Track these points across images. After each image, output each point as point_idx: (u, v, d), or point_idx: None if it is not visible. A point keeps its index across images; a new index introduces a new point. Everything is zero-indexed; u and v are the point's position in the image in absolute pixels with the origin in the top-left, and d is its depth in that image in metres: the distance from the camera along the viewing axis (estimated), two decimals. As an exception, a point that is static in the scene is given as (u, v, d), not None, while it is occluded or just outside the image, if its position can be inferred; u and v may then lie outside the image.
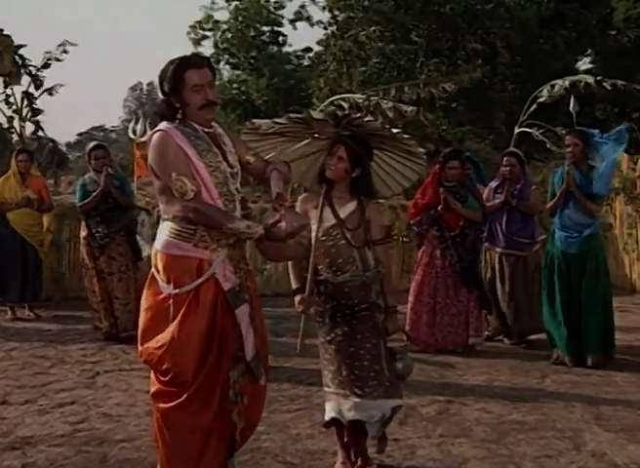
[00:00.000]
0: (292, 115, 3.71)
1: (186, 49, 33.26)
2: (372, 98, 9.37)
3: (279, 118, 3.78)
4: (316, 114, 3.74)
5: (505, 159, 6.99)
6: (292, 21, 32.02)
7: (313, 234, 3.71)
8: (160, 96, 3.31)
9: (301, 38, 35.19)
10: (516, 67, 22.20)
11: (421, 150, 3.91)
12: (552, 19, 21.98)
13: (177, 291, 3.15)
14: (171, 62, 3.24)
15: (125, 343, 6.75)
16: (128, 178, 7.89)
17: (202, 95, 3.20)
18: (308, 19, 30.49)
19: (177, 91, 3.20)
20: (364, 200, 3.81)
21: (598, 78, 10.02)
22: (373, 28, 22.56)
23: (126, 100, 75.71)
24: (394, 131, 3.69)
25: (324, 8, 24.75)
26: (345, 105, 9.34)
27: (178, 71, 3.19)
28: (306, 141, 3.90)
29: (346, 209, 3.79)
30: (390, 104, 9.29)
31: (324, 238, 3.75)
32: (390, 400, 3.72)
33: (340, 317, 3.74)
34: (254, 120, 3.72)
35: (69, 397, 5.10)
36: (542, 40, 21.94)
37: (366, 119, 3.77)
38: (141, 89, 75.46)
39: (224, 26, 31.71)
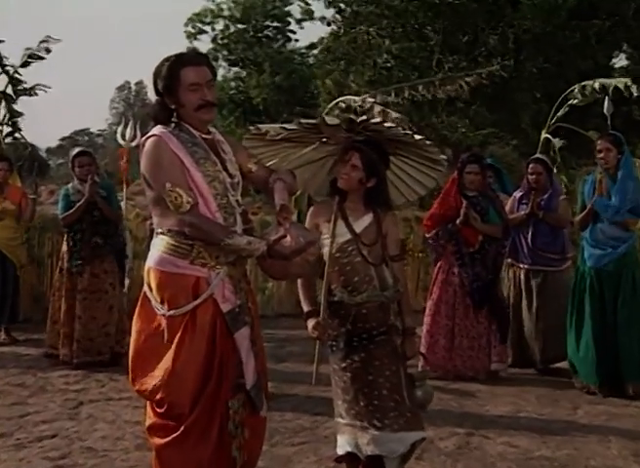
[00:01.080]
0: (303, 121, 3.71)
1: (181, 45, 33.35)
2: (367, 100, 9.44)
3: (284, 120, 3.80)
4: (330, 119, 3.73)
5: (531, 166, 6.98)
6: (299, 21, 32.13)
7: (326, 250, 3.73)
8: (152, 96, 3.33)
9: (307, 34, 35.20)
10: (543, 63, 22.19)
11: (444, 157, 3.91)
12: (583, 9, 21.90)
13: (171, 312, 3.16)
14: (166, 59, 3.27)
15: (90, 367, 6.79)
16: (115, 188, 7.90)
17: (199, 94, 3.22)
18: (311, 13, 30.60)
19: (171, 90, 3.22)
20: (380, 212, 3.83)
21: (628, 83, 9.90)
22: (381, 24, 22.62)
23: (113, 101, 76.01)
24: (417, 137, 3.68)
25: (329, 3, 24.81)
26: (343, 106, 9.42)
27: (173, 69, 3.21)
28: (313, 146, 3.90)
29: (362, 222, 3.81)
30: (380, 109, 9.38)
31: (338, 255, 3.76)
32: (412, 432, 3.71)
33: (357, 342, 3.74)
34: (259, 125, 3.72)
35: (50, 429, 5.09)
36: (572, 33, 21.87)
37: (386, 124, 3.73)
38: (130, 88, 75.77)
39: (225, 21, 31.74)
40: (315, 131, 3.77)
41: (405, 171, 4.00)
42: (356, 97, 10.00)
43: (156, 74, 3.27)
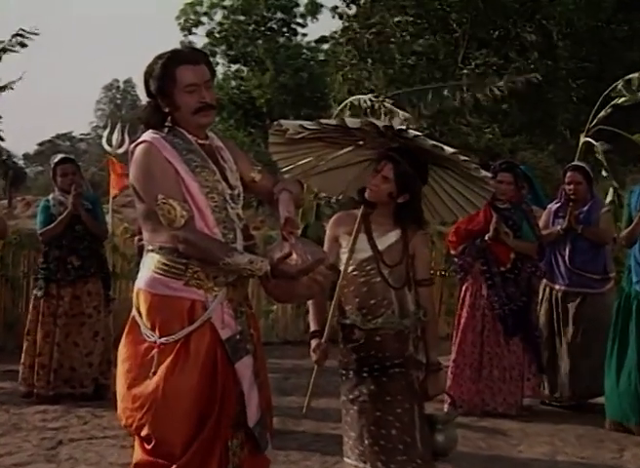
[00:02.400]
0: (323, 121, 3.72)
1: (176, 38, 33.48)
2: (372, 100, 9.47)
3: (294, 121, 3.81)
4: (351, 121, 3.71)
5: (569, 175, 6.98)
6: (303, 15, 32.27)
7: (342, 266, 3.74)
8: (143, 96, 3.35)
9: (316, 27, 35.32)
10: (583, 60, 22.21)
11: (487, 174, 3.87)
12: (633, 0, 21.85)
13: (163, 339, 3.16)
14: (159, 57, 3.28)
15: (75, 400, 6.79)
16: (101, 200, 7.94)
17: (196, 96, 3.23)
18: (317, 6, 30.74)
19: (165, 91, 3.24)
20: (409, 230, 3.84)
21: None
22: (401, 15, 22.68)
23: (99, 102, 76.45)
24: (449, 150, 3.62)
25: None
26: (368, 105, 9.44)
27: (168, 67, 3.23)
28: (348, 149, 3.93)
29: (387, 239, 3.82)
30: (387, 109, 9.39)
31: (355, 273, 3.79)
32: None
33: (367, 372, 3.75)
34: (281, 121, 3.72)
35: (25, 473, 5.09)
36: (617, 26, 21.85)
37: (412, 132, 3.71)
38: (118, 87, 76.15)
39: (223, 12, 31.88)
40: (349, 132, 3.76)
41: (452, 185, 3.96)
42: (364, 97, 10.05)
43: (148, 74, 3.28)
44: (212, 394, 3.17)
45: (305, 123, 3.69)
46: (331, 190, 4.44)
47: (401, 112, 9.68)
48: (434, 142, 3.63)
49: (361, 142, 3.87)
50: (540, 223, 6.90)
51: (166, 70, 3.23)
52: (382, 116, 9.24)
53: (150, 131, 3.27)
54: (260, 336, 3.45)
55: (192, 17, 32.86)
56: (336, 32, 27.92)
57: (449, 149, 3.63)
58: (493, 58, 21.28)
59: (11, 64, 13.80)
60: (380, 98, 9.69)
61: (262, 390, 3.32)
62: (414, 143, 3.71)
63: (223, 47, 33.01)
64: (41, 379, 6.92)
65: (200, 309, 3.18)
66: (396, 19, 22.67)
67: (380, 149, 3.86)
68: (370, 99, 9.82)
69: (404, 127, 3.77)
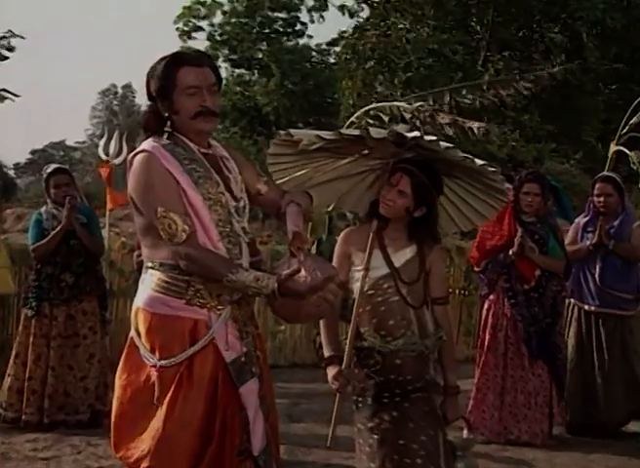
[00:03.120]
0: (344, 131, 3.71)
1: (177, 41, 33.61)
2: (420, 108, 9.37)
3: (307, 130, 3.82)
4: (376, 132, 3.70)
5: (598, 186, 6.96)
6: (310, 10, 32.34)
7: (357, 285, 3.75)
8: (142, 102, 3.39)
9: (324, 28, 35.34)
10: (613, 62, 22.15)
11: (508, 186, 3.92)
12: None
13: (164, 362, 3.17)
14: (163, 58, 3.32)
15: (78, 428, 6.77)
16: (97, 213, 7.95)
17: (197, 99, 3.25)
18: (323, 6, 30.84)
19: (165, 93, 3.26)
20: (425, 245, 3.85)
21: None
22: (417, 14, 22.68)
23: (95, 109, 76.57)
24: (479, 162, 3.66)
25: None
26: (385, 118, 9.37)
27: (169, 68, 3.26)
28: (351, 159, 3.94)
29: (403, 255, 3.83)
30: (448, 119, 9.23)
31: (371, 292, 3.79)
32: None
33: (388, 398, 3.75)
34: (291, 130, 3.70)
35: (15, 506, 5.11)
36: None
37: (443, 144, 3.70)
38: (116, 93, 76.33)
39: (224, 14, 31.95)
40: (356, 142, 3.77)
41: (460, 196, 4.00)
42: (387, 104, 10.01)
43: (150, 74, 3.32)
44: (213, 421, 3.17)
45: (323, 133, 3.68)
46: (321, 202, 4.33)
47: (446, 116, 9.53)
48: (465, 155, 3.64)
49: (366, 152, 3.88)
50: (568, 239, 6.88)
51: (167, 71, 3.26)
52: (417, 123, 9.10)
53: (150, 139, 3.29)
54: (266, 359, 3.46)
55: (192, 20, 32.94)
56: (345, 32, 27.96)
57: (479, 161, 3.65)
58: (515, 62, 21.25)
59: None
60: (411, 107, 9.61)
61: (269, 416, 3.32)
62: (437, 155, 3.71)
63: (226, 51, 33.08)
64: (31, 406, 6.87)
65: (203, 329, 3.19)
66: (413, 18, 22.67)
67: (386, 160, 3.87)
68: (400, 108, 9.74)
69: (434, 138, 3.76)
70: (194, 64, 3.28)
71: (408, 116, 9.30)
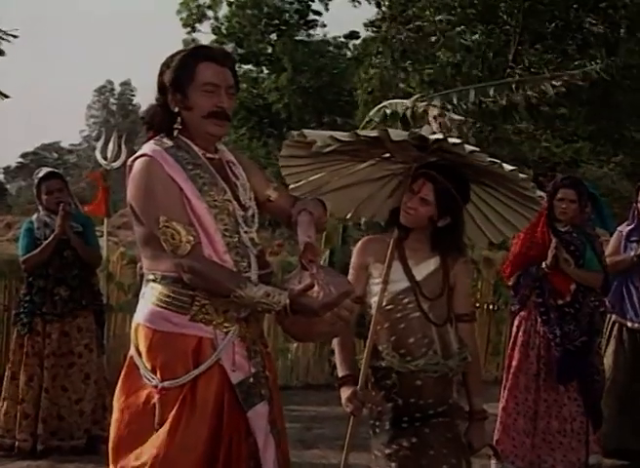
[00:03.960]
0: (361, 133, 3.71)
1: (178, 35, 33.74)
2: (418, 105, 9.43)
3: (318, 130, 3.83)
4: (396, 134, 3.70)
5: (643, 191, 6.97)
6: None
7: (374, 300, 3.76)
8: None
9: (337, 19, 35.29)
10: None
11: (541, 194, 3.91)
12: None
13: (166, 383, 3.19)
14: (182, 50, 3.38)
15: (71, 454, 6.76)
16: (93, 221, 7.95)
17: (215, 99, 3.29)
18: None
19: (180, 86, 3.29)
20: (449, 257, 3.86)
21: None
22: (442, 5, 22.66)
23: (91, 108, 76.88)
24: (508, 168, 3.64)
25: None
26: (387, 112, 9.42)
27: (189, 60, 3.30)
28: (370, 162, 3.96)
29: (425, 267, 3.85)
30: (435, 112, 9.31)
31: (390, 307, 3.80)
32: None
33: (407, 422, 3.76)
34: (305, 131, 3.72)
35: None
36: None
37: (468, 147, 3.67)
38: (112, 90, 76.56)
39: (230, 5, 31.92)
40: (375, 144, 3.78)
41: (489, 204, 4.01)
42: (404, 101, 10.02)
43: (165, 65, 3.34)
44: (218, 447, 3.17)
45: (338, 134, 3.68)
46: (338, 210, 4.36)
47: (454, 116, 9.58)
48: (493, 159, 3.63)
49: (387, 155, 3.89)
50: (609, 249, 6.86)
51: (186, 62, 3.29)
52: (433, 124, 9.15)
53: (152, 142, 3.31)
54: (276, 380, 3.47)
55: (195, 11, 32.92)
56: (367, 25, 27.92)
57: (507, 167, 3.64)
58: (548, 56, 21.17)
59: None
60: (424, 103, 9.63)
61: (280, 442, 3.33)
62: (464, 159, 3.71)
63: (232, 45, 33.02)
64: (23, 431, 6.85)
65: (208, 348, 3.21)
66: (437, 14, 22.61)
67: (409, 164, 3.88)
68: (412, 104, 9.75)
69: (458, 141, 3.75)
70: (216, 62, 3.32)
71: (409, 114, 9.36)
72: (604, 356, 6.90)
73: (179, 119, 3.33)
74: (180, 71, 3.28)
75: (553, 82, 10.82)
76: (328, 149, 3.70)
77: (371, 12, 28.92)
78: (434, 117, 9.30)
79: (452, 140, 3.69)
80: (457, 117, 9.55)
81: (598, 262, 6.53)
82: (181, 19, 33.35)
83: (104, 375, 7.12)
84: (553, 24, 22.53)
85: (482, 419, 3.88)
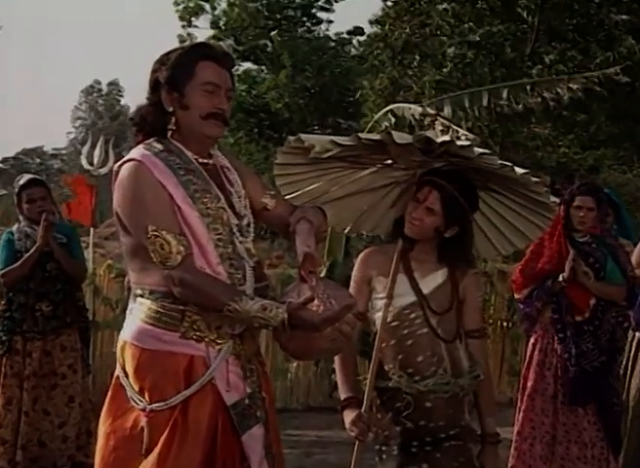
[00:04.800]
0: (363, 136, 3.71)
1: (170, 31, 33.71)
2: (426, 112, 9.44)
3: (319, 134, 3.83)
4: (400, 136, 3.69)
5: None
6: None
7: (379, 315, 3.76)
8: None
9: (346, 15, 35.28)
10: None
11: (554, 200, 3.91)
12: None
13: (155, 406, 3.19)
14: (181, 47, 3.41)
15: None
16: (79, 231, 7.95)
17: (214, 99, 3.31)
18: None
19: (177, 84, 3.30)
20: (458, 269, 3.86)
21: None
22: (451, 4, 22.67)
23: (77, 109, 76.85)
24: (520, 171, 3.64)
25: None
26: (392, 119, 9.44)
27: (188, 58, 3.31)
28: (372, 170, 3.97)
29: (432, 280, 3.86)
30: (442, 126, 9.29)
31: (395, 323, 3.81)
32: None
33: (417, 447, 3.76)
34: (302, 135, 3.72)
35: None
36: None
37: (477, 149, 3.67)
38: (100, 90, 76.56)
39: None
40: (377, 149, 3.77)
41: (499, 212, 4.02)
42: (413, 106, 10.04)
43: (161, 62, 3.36)
44: None
45: (339, 138, 3.68)
46: (337, 222, 4.35)
47: (462, 131, 9.60)
48: (504, 162, 3.63)
49: (389, 161, 3.89)
50: (634, 259, 6.85)
51: (185, 60, 3.31)
52: (437, 131, 9.17)
53: (141, 146, 3.31)
54: (273, 401, 3.47)
55: (192, 4, 32.92)
56: (372, 22, 27.91)
57: (520, 170, 3.64)
58: (569, 53, 21.13)
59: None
60: (432, 111, 9.64)
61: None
62: (471, 163, 3.71)
63: (230, 41, 32.99)
64: (1, 458, 6.80)
65: (200, 367, 3.21)
66: (444, 7, 22.59)
67: (413, 170, 3.89)
68: (420, 109, 9.77)
69: (469, 142, 3.76)
70: (217, 61, 3.35)
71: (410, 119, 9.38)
72: (631, 376, 6.89)
73: (172, 119, 3.34)
74: (178, 68, 3.29)
75: (570, 84, 10.82)
76: (328, 155, 3.70)
77: (377, 6, 28.77)
78: (441, 131, 9.29)
79: (459, 143, 3.70)
80: (465, 133, 9.54)
81: (621, 274, 6.53)
82: (177, 11, 33.25)
83: (89, 398, 7.11)
84: (574, 20, 22.47)
85: (495, 443, 3.88)
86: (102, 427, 3.33)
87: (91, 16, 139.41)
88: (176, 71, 3.29)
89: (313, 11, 34.39)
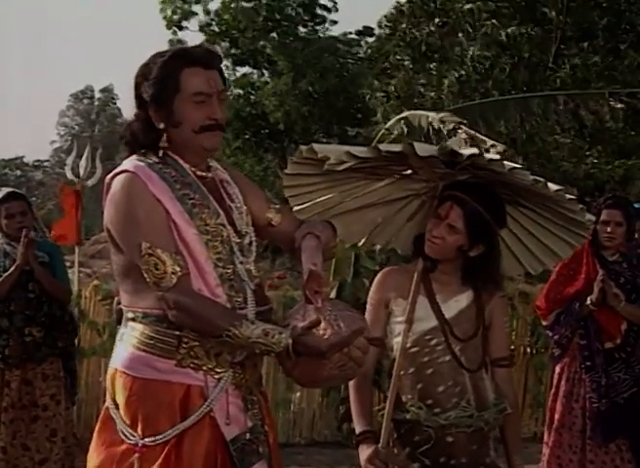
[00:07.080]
0: (383, 147, 3.66)
1: (163, 35, 33.74)
2: (446, 121, 9.43)
3: (324, 143, 3.83)
4: (422, 148, 3.63)
5: None
6: None
7: (397, 341, 3.76)
8: (125, 111, 3.42)
9: (353, 15, 35.30)
10: None
11: (590, 218, 3.88)
12: None
13: (147, 440, 3.18)
14: (160, 54, 3.35)
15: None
16: (62, 249, 7.95)
17: (206, 110, 3.30)
18: None
19: (164, 100, 3.29)
20: (483, 291, 3.86)
21: None
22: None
23: (64, 116, 76.88)
24: (553, 187, 3.60)
25: None
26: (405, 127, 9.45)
27: (170, 68, 3.29)
28: (389, 181, 3.96)
29: (455, 304, 3.85)
30: (465, 135, 9.28)
31: (415, 349, 3.81)
32: None
33: None
34: (315, 145, 3.67)
35: None
36: None
37: (508, 163, 3.62)
38: (92, 97, 76.58)
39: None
40: (396, 160, 3.76)
41: (528, 229, 4.00)
42: (431, 113, 10.04)
43: (142, 76, 3.33)
44: None
45: (355, 149, 3.66)
46: (348, 236, 4.36)
47: (490, 142, 9.57)
48: (536, 177, 3.60)
49: (408, 172, 3.89)
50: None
51: (167, 72, 3.28)
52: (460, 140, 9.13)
53: (134, 157, 3.32)
54: (276, 436, 3.47)
55: (180, 5, 32.72)
56: (380, 26, 27.95)
57: (553, 186, 3.62)
58: (595, 58, 21.12)
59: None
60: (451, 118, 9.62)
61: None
62: (500, 177, 3.68)
63: (225, 44, 32.83)
64: None
65: (197, 398, 3.21)
66: (467, 7, 22.61)
67: (434, 182, 3.88)
68: (438, 118, 9.76)
69: (499, 156, 3.74)
70: (202, 65, 3.32)
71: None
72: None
73: (164, 136, 3.33)
74: (162, 83, 3.27)
75: (611, 102, 10.79)
76: (343, 167, 3.67)
77: (387, 5, 28.68)
78: (465, 140, 9.26)
79: (489, 156, 3.69)
80: (493, 143, 9.50)
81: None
82: (165, 17, 32.98)
83: (74, 432, 7.10)
84: (602, 21, 22.47)
85: None
86: (90, 463, 3.32)
87: (84, 20, 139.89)
88: (160, 87, 3.27)
89: (315, 9, 34.34)
